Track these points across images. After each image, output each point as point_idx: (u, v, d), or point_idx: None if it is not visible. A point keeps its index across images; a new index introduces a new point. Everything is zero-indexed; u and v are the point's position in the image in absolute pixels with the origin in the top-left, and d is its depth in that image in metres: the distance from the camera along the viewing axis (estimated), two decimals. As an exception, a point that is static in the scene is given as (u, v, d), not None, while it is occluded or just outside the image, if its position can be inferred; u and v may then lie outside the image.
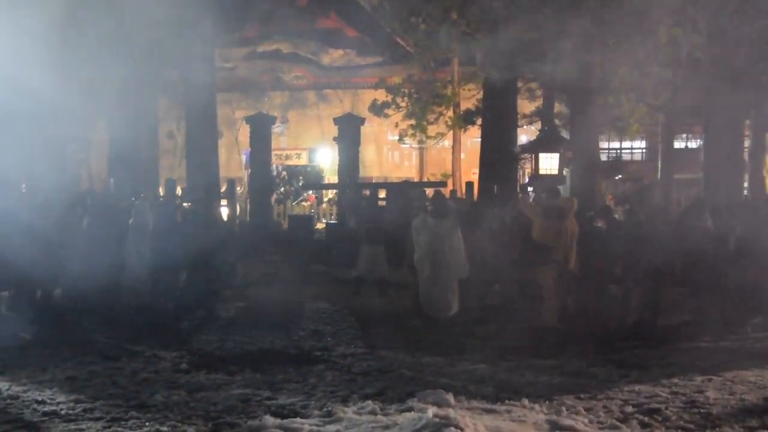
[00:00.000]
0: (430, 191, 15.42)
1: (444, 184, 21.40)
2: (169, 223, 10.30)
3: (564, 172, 17.93)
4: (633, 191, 22.94)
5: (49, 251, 9.20)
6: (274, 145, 21.98)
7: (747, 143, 17.55)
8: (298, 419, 5.53)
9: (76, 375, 6.87)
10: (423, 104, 27.09)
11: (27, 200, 10.76)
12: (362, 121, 19.82)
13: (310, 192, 28.06)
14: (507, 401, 6.01)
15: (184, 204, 12.74)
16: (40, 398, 6.12)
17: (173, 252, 9.61)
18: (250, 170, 21.24)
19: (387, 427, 5.32)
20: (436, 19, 26.12)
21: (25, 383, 6.56)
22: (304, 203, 27.00)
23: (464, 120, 25.78)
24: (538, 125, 22.88)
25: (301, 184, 28.34)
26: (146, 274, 10.50)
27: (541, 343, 8.42)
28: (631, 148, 33.62)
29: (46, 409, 5.87)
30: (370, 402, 5.93)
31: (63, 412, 5.81)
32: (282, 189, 28.16)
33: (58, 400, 6.07)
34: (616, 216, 11.81)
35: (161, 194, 18.07)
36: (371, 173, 32.82)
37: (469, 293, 9.90)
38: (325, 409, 5.81)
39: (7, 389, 6.36)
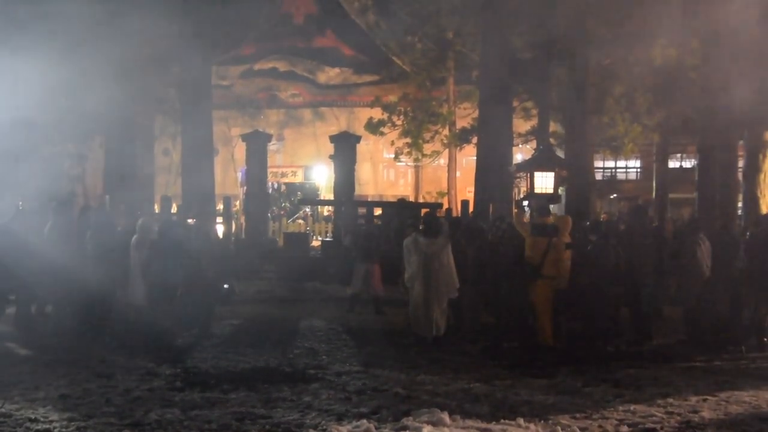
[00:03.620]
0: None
1: (439, 204, 21.41)
2: (172, 240, 10.26)
3: (559, 191, 17.97)
4: (624, 210, 23.03)
5: (46, 267, 9.19)
6: (270, 162, 22.01)
7: (741, 163, 17.63)
8: (293, 438, 5.53)
9: (69, 393, 6.82)
10: (419, 123, 27.23)
11: (25, 217, 10.74)
12: (358, 139, 19.89)
13: (306, 208, 28.11)
14: (502, 420, 5.99)
15: (188, 220, 12.69)
16: (33, 416, 6.07)
17: (173, 269, 9.57)
18: (246, 188, 21.26)
19: (382, 446, 5.32)
20: (432, 39, 26.42)
21: (17, 401, 6.50)
22: (300, 221, 27.03)
23: (460, 138, 25.93)
24: (533, 144, 22.98)
25: (297, 200, 28.39)
26: (146, 291, 10.45)
27: (536, 361, 8.43)
28: (626, 168, 33.81)
29: (39, 427, 5.83)
30: (365, 421, 5.91)
31: (56, 430, 5.77)
32: (282, 204, 28.19)
33: (51, 419, 6.02)
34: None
35: (157, 211, 18.09)
36: (367, 191, 32.93)
37: (463, 311, 9.89)
38: (320, 428, 5.79)
39: (0, 407, 6.32)
